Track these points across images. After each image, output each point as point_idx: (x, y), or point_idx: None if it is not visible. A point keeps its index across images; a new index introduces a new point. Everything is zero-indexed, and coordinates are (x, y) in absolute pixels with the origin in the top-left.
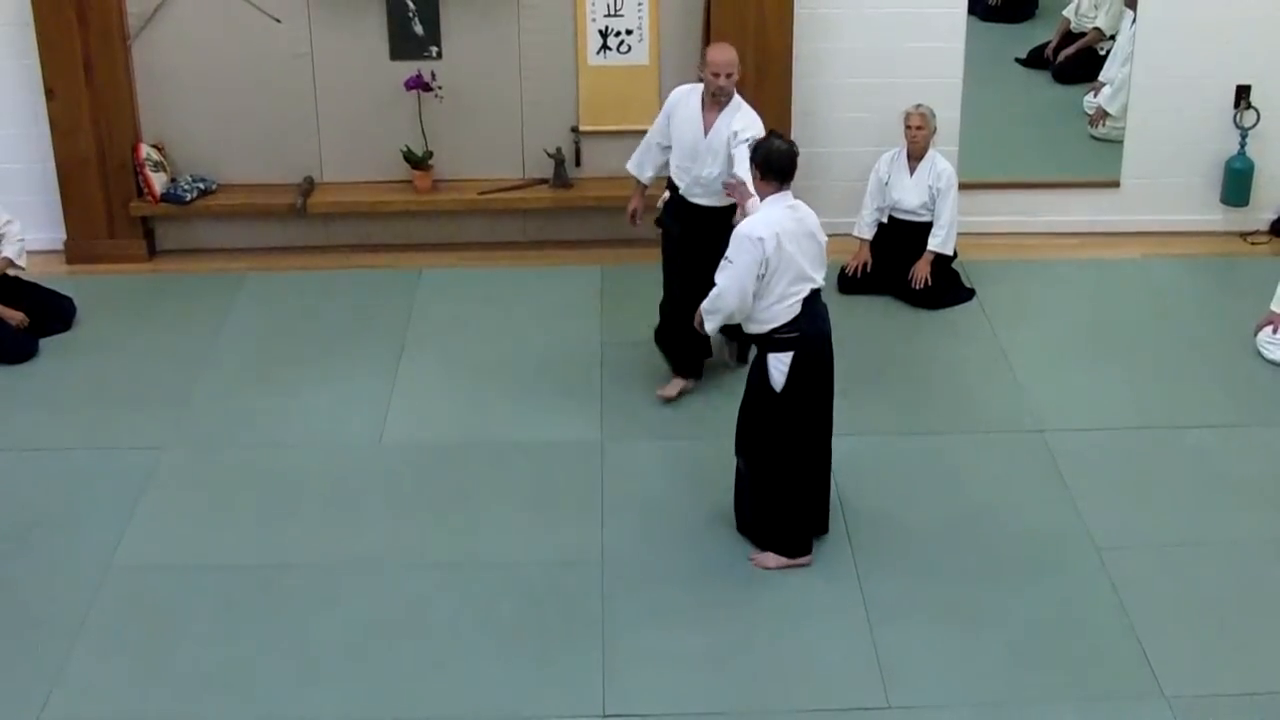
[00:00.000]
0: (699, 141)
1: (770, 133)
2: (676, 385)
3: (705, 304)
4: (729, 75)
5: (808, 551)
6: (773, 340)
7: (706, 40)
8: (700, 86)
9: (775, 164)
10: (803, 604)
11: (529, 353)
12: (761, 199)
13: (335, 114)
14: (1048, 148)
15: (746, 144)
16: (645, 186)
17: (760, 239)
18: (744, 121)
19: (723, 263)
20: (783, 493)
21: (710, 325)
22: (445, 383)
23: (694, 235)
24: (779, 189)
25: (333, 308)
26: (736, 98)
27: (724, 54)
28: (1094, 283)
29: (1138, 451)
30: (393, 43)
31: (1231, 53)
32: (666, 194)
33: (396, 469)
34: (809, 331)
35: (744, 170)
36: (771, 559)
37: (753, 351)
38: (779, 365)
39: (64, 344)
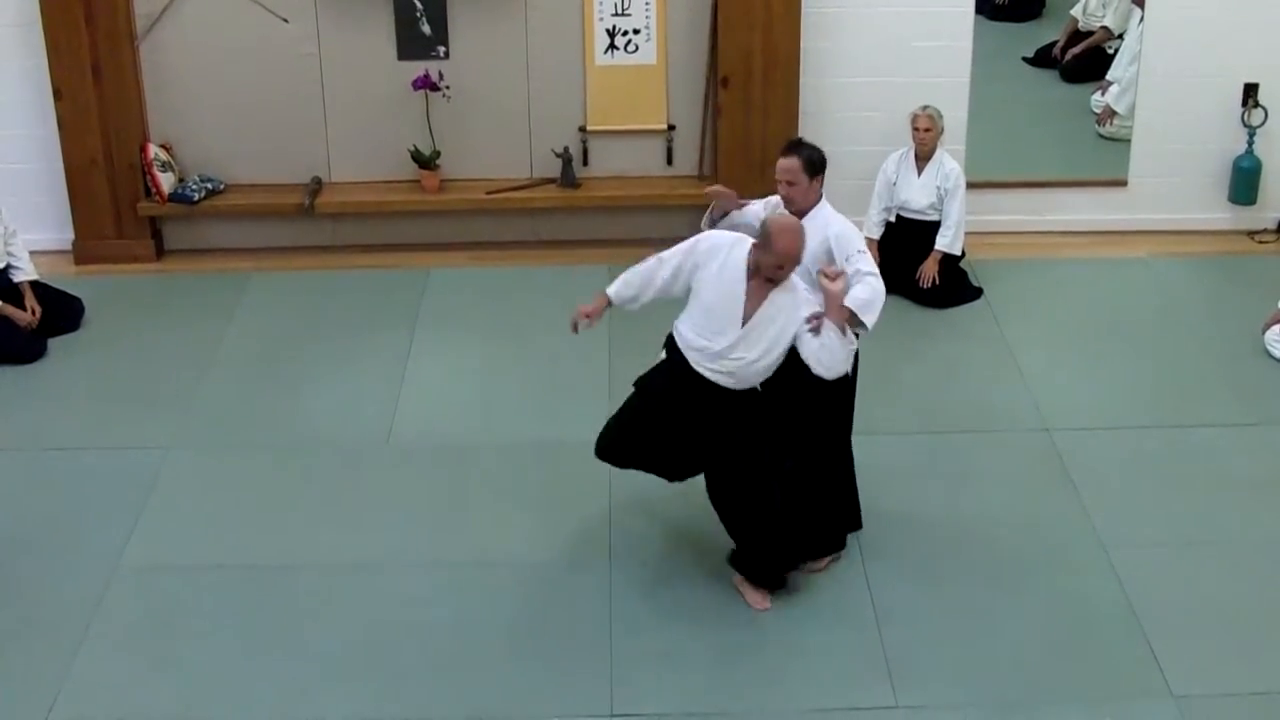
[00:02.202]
0: (734, 317)
1: (792, 142)
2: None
3: (862, 305)
4: (790, 271)
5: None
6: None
7: (714, 39)
8: (737, 239)
9: (824, 163)
10: (810, 603)
11: (537, 352)
12: (818, 201)
13: (343, 114)
14: (1055, 146)
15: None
16: (609, 304)
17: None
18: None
19: (860, 266)
20: (848, 475)
21: (871, 321)
22: (453, 382)
23: (700, 412)
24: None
25: (340, 307)
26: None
27: (797, 246)
28: (1101, 282)
29: (1145, 450)
30: (400, 43)
31: (1239, 51)
32: (663, 355)
33: (404, 468)
34: None
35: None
36: (817, 563)
37: None
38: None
39: (72, 344)
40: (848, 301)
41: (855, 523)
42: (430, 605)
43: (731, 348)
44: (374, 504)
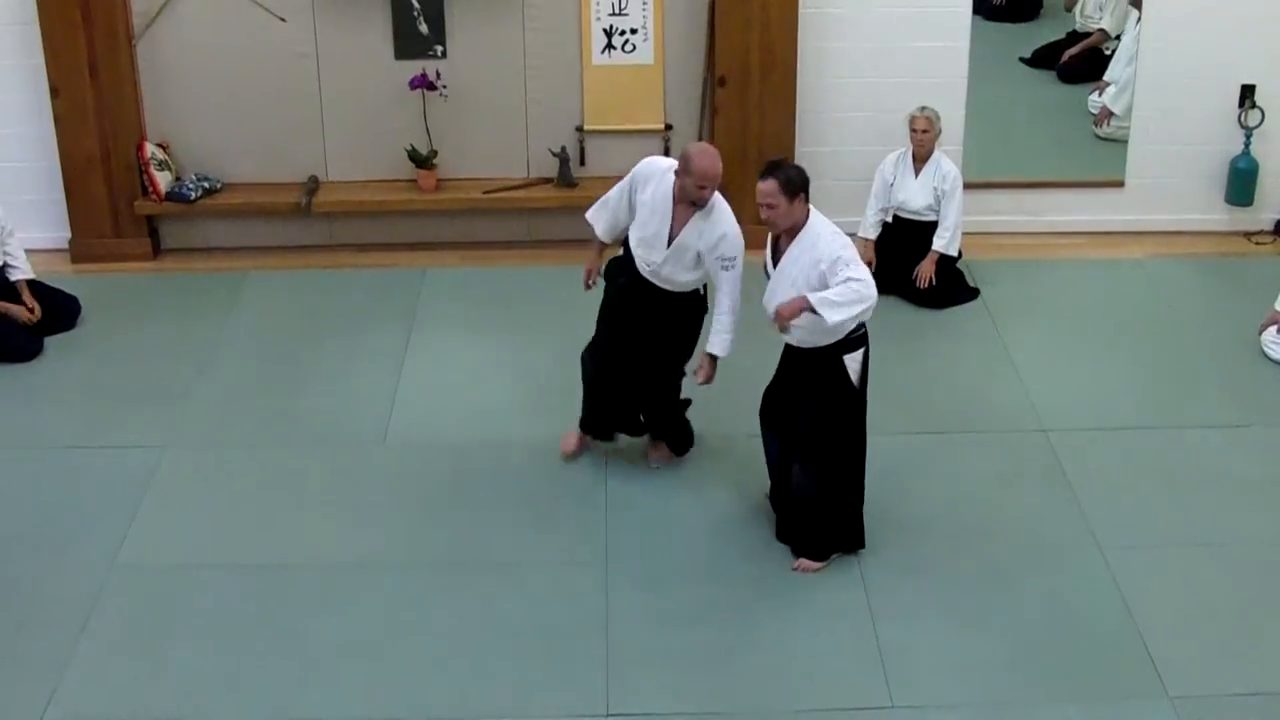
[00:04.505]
0: (661, 236)
1: (771, 164)
2: (573, 440)
3: (838, 296)
4: (712, 190)
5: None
6: (846, 343)
7: (711, 39)
8: (673, 165)
9: (805, 182)
10: (806, 603)
11: (533, 352)
12: (805, 219)
13: (340, 113)
14: (1052, 147)
15: (729, 266)
16: (604, 245)
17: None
18: (719, 231)
19: (849, 275)
20: (854, 490)
21: (841, 316)
22: (449, 382)
23: (643, 305)
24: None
25: (337, 307)
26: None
27: (714, 165)
28: (1098, 282)
29: (1141, 451)
30: (397, 42)
31: (1236, 52)
32: (621, 251)
33: (400, 468)
34: (865, 324)
35: (730, 292)
36: (814, 564)
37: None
38: (854, 364)
39: (69, 342)
40: (811, 297)
41: (858, 541)
42: (426, 605)
43: (662, 264)
44: (370, 503)
